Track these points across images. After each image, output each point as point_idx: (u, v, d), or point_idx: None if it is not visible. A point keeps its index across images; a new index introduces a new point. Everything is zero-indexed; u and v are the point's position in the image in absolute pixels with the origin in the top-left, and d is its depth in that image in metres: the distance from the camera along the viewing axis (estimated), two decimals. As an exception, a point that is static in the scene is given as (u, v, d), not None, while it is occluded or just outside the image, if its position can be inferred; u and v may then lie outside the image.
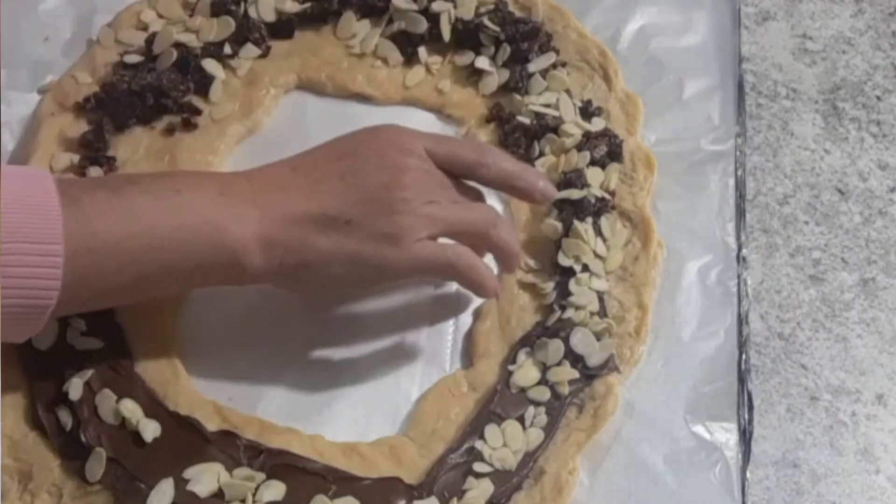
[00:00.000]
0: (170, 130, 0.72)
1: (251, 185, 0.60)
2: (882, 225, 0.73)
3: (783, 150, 0.76)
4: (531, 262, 0.68)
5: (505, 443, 0.60)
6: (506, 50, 0.74)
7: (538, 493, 0.60)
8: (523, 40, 0.74)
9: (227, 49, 0.75)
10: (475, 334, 0.66)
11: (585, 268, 0.66)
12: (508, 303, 0.66)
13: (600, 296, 0.66)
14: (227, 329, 0.66)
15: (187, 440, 0.60)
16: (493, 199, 0.71)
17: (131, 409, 0.61)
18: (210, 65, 0.74)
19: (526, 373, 0.63)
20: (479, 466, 0.60)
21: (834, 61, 0.80)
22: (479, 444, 0.60)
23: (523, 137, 0.71)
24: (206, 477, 0.58)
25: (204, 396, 0.63)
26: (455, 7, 0.75)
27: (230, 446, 0.60)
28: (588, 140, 0.70)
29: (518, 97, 0.73)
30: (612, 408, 0.62)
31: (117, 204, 0.56)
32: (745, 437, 0.62)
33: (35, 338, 0.63)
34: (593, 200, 0.68)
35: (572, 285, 0.65)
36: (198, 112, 0.73)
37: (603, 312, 0.65)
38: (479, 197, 0.66)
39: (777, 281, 0.70)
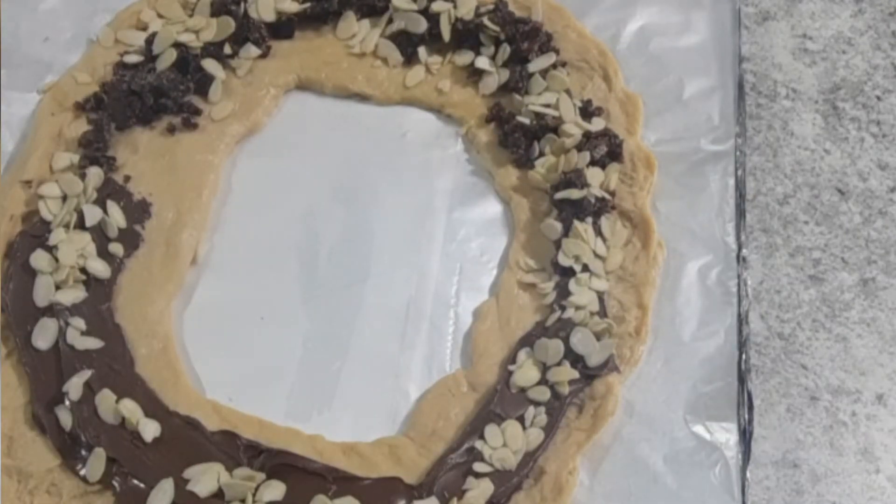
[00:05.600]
0: (170, 130, 0.72)
1: None
2: (882, 225, 0.73)
3: (783, 150, 0.76)
4: (531, 262, 0.68)
5: (505, 443, 0.60)
6: (506, 50, 0.74)
7: (538, 493, 0.60)
8: (523, 40, 0.74)
9: (227, 49, 0.75)
10: (475, 334, 0.66)
11: (585, 268, 0.66)
12: (508, 303, 0.66)
13: (600, 296, 0.66)
14: (227, 329, 0.66)
15: (187, 440, 0.60)
16: (493, 199, 0.72)
17: (131, 409, 0.61)
18: (210, 65, 0.74)
19: (526, 373, 0.63)
20: (479, 466, 0.60)
21: (834, 61, 0.80)
22: (479, 444, 0.60)
23: (523, 137, 0.71)
24: (206, 477, 0.58)
25: (204, 396, 0.63)
26: (455, 7, 0.75)
27: (230, 446, 0.60)
28: (588, 140, 0.70)
29: (518, 97, 0.73)
30: (612, 408, 0.62)
31: None
32: (745, 437, 0.61)
33: (35, 338, 0.63)
34: (593, 200, 0.68)
35: (572, 285, 0.65)
36: (198, 112, 0.73)
37: (603, 312, 0.65)
38: None
39: (777, 281, 0.70)
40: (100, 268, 0.66)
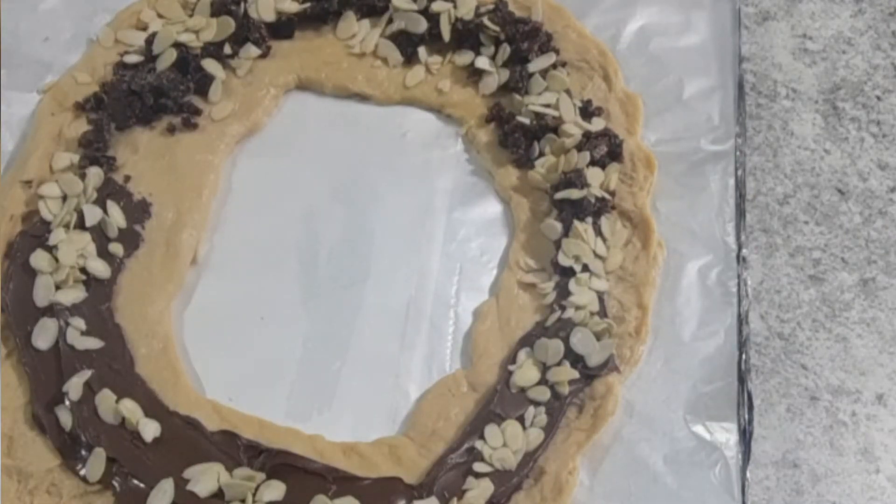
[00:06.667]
0: (170, 130, 0.72)
1: None
2: (882, 225, 0.73)
3: (783, 150, 0.76)
4: (531, 262, 0.68)
5: (505, 443, 0.60)
6: (506, 50, 0.74)
7: (538, 493, 0.60)
8: (523, 40, 0.74)
9: (227, 49, 0.75)
10: (475, 334, 0.66)
11: (585, 268, 0.66)
12: (508, 303, 0.66)
13: (600, 296, 0.66)
14: (227, 329, 0.66)
15: (187, 440, 0.60)
16: (493, 199, 0.72)
17: (131, 409, 0.61)
18: (210, 65, 0.74)
19: (526, 373, 0.63)
20: (479, 466, 0.60)
21: (834, 61, 0.80)
22: (479, 444, 0.60)
23: (523, 137, 0.71)
24: (206, 477, 0.58)
25: (204, 396, 0.63)
26: (455, 7, 0.75)
27: (230, 446, 0.60)
28: (588, 140, 0.70)
29: (518, 97, 0.73)
30: (612, 408, 0.62)
31: None
32: (745, 437, 0.61)
33: (35, 338, 0.63)
34: (593, 200, 0.68)
35: (572, 285, 0.65)
36: (198, 112, 0.73)
37: (603, 312, 0.65)
38: None
39: (777, 281, 0.70)
40: (100, 268, 0.66)
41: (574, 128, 0.71)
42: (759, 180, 0.74)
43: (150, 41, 0.75)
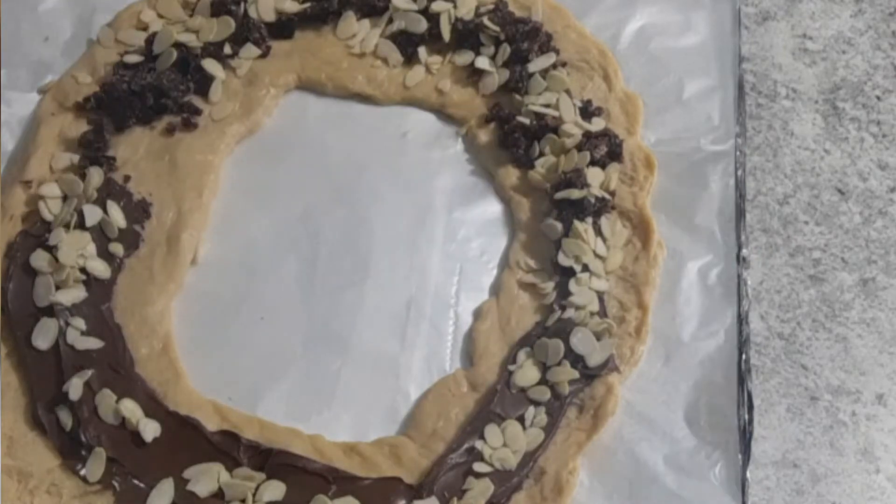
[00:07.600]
0: (170, 130, 0.72)
1: None
2: (882, 225, 0.73)
3: (783, 150, 0.76)
4: (531, 262, 0.68)
5: (505, 443, 0.60)
6: (506, 50, 0.74)
7: (538, 493, 0.60)
8: (523, 40, 0.74)
9: (227, 49, 0.75)
10: (475, 334, 0.66)
11: (585, 268, 0.66)
12: (508, 303, 0.66)
13: (600, 296, 0.66)
14: (227, 329, 0.66)
15: (187, 440, 0.61)
16: (493, 199, 0.72)
17: (131, 409, 0.61)
18: (210, 65, 0.74)
19: (526, 373, 0.63)
20: (479, 466, 0.60)
21: (834, 61, 0.80)
22: (479, 444, 0.60)
23: (523, 137, 0.71)
24: (206, 477, 0.59)
25: (204, 396, 0.63)
26: (455, 7, 0.75)
27: (230, 446, 0.60)
28: (588, 140, 0.70)
29: (518, 97, 0.73)
30: (612, 408, 0.62)
31: None
32: (745, 437, 0.62)
33: (35, 338, 0.63)
34: (593, 200, 0.68)
35: (572, 285, 0.65)
36: (198, 112, 0.73)
37: (603, 312, 0.65)
38: None
39: (777, 281, 0.70)
40: (100, 268, 0.66)
41: (574, 128, 0.71)
42: (759, 180, 0.74)
43: (150, 41, 0.75)
